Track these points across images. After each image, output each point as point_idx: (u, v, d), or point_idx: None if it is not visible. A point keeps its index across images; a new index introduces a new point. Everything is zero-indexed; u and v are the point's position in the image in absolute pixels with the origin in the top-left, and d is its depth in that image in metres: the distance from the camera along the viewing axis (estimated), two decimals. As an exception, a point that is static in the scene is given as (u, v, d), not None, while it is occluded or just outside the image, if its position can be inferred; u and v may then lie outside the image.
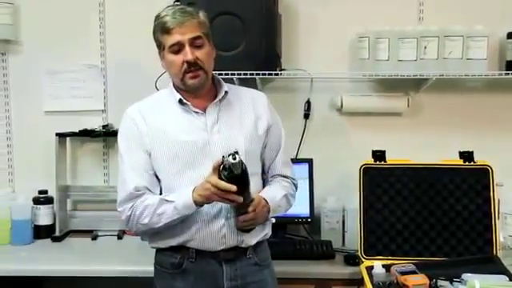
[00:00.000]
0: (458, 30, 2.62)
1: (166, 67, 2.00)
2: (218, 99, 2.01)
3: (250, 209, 1.90)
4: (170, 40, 1.91)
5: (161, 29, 1.92)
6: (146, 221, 1.95)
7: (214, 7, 2.51)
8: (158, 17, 1.96)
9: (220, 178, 1.82)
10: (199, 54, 1.92)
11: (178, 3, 1.97)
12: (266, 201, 1.97)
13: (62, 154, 2.88)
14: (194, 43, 1.91)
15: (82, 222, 2.92)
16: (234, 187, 1.80)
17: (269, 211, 1.99)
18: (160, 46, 1.97)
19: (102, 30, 2.91)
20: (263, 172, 2.11)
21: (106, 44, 2.92)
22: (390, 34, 2.63)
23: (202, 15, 1.96)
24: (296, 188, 2.17)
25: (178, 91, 2.01)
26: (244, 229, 1.95)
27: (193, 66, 1.92)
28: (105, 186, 2.97)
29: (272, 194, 2.02)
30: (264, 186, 2.10)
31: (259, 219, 1.95)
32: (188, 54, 1.90)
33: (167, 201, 1.92)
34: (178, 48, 1.91)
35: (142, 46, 2.82)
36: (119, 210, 2.00)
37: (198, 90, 1.98)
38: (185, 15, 1.91)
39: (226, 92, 2.03)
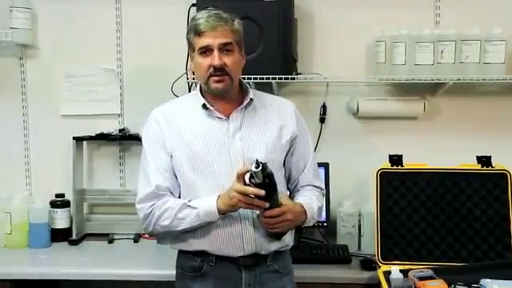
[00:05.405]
0: (475, 34, 2.61)
1: (194, 69, 2.02)
2: (242, 106, 2.01)
3: (275, 212, 1.88)
4: (201, 42, 1.92)
5: (193, 30, 1.93)
6: (166, 223, 1.95)
7: (231, 12, 2.51)
8: (193, 18, 1.98)
9: (245, 184, 1.83)
10: (227, 60, 1.92)
11: (212, 9, 1.96)
12: (303, 208, 1.99)
13: (79, 158, 2.89)
14: (224, 49, 1.92)
15: (99, 226, 2.93)
16: (262, 192, 1.81)
17: (306, 218, 2.00)
18: (191, 47, 1.98)
19: (118, 34, 2.93)
20: (289, 181, 2.11)
21: (123, 48, 2.93)
22: (407, 38, 2.62)
23: (236, 23, 1.96)
24: (324, 197, 2.18)
25: (203, 96, 2.02)
26: (271, 232, 1.93)
27: (219, 70, 1.92)
28: (121, 189, 2.97)
29: (310, 203, 2.03)
30: (291, 195, 2.10)
31: (287, 223, 1.92)
32: (216, 58, 1.90)
33: (190, 206, 1.93)
34: (207, 51, 1.92)
35: (159, 50, 2.89)
36: (138, 207, 2.01)
37: (222, 94, 1.98)
38: (219, 20, 1.91)
39: (252, 99, 2.02)
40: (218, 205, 1.89)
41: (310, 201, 2.04)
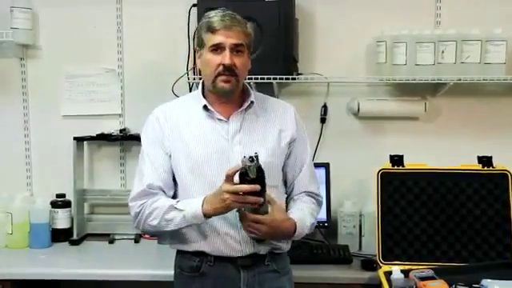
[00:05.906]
0: (475, 34, 2.60)
1: (202, 66, 2.00)
2: (242, 108, 2.00)
3: (261, 218, 1.87)
4: (213, 39, 1.91)
5: (207, 27, 1.93)
6: (154, 223, 1.95)
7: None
8: (206, 16, 1.97)
9: (235, 182, 1.81)
10: (237, 60, 1.92)
11: (225, 9, 1.97)
12: (295, 226, 1.96)
13: (80, 158, 2.89)
14: (235, 49, 1.92)
15: (99, 226, 2.93)
16: (258, 186, 1.79)
17: (294, 232, 1.96)
18: (201, 45, 1.97)
19: (119, 35, 2.93)
20: (285, 185, 2.10)
21: (124, 48, 2.93)
22: (408, 39, 2.62)
23: (249, 27, 1.98)
24: (320, 206, 2.15)
25: (204, 96, 2.01)
26: (252, 236, 1.92)
27: (228, 70, 1.91)
28: (122, 189, 2.97)
29: (303, 219, 1.99)
30: (286, 200, 2.09)
31: (270, 232, 1.90)
32: (227, 57, 1.90)
33: (176, 208, 1.92)
34: (218, 49, 1.91)
35: (160, 51, 2.89)
36: (130, 204, 2.01)
37: (226, 95, 1.98)
38: (233, 21, 1.92)
39: (252, 102, 2.02)
40: (205, 209, 1.87)
41: (303, 217, 2.00)
